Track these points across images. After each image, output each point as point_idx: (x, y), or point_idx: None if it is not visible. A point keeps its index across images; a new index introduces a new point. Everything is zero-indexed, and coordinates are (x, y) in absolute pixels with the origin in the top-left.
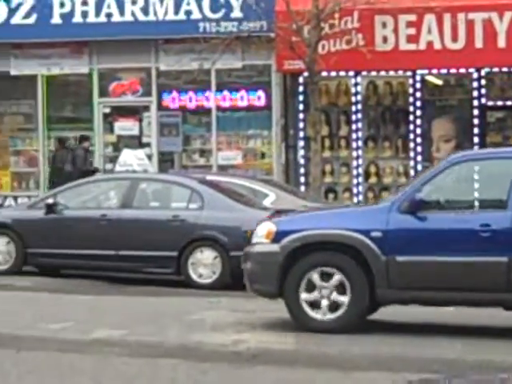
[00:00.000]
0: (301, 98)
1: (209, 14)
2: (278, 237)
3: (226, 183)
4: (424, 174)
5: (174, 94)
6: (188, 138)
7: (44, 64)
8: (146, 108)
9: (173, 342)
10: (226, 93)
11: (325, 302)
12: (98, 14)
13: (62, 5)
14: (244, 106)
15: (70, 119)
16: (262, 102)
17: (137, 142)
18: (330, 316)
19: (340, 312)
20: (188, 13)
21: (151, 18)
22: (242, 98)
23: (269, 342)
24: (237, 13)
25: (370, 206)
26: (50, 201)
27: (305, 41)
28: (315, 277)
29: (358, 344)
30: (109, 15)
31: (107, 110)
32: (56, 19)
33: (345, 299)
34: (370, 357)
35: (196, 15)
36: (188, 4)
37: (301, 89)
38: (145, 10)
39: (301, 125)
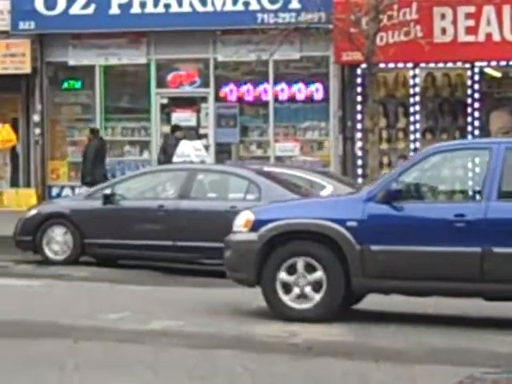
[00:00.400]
0: (359, 89)
1: (267, 5)
2: (255, 226)
3: (284, 174)
4: (401, 165)
5: (232, 85)
6: (245, 129)
7: (102, 54)
8: (204, 99)
9: (230, 333)
10: (283, 84)
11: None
12: (156, 4)
13: None
14: (302, 98)
15: (127, 110)
16: (319, 94)
17: (194, 132)
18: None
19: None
20: (246, 4)
21: (209, 8)
22: (300, 90)
23: (324, 334)
24: (295, 4)
25: (348, 195)
26: (108, 191)
27: (363, 32)
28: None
29: (411, 335)
30: (167, 6)
31: (164, 101)
32: (114, 10)
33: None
34: (426, 349)
35: (254, 6)
36: None
37: (359, 80)
38: (203, 1)
39: (358, 116)
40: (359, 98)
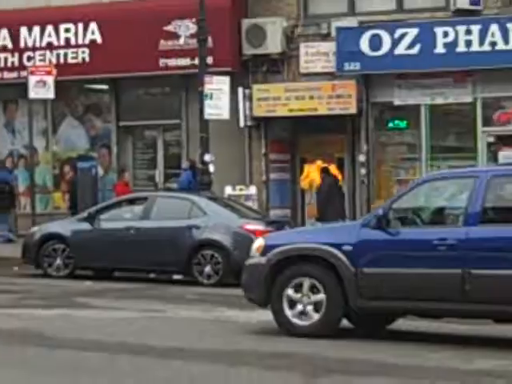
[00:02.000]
0: None
1: None
2: (265, 250)
3: None
4: (396, 194)
5: None
6: None
7: (427, 94)
8: None
9: None
10: None
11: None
12: (481, 42)
13: (445, 34)
14: None
15: (452, 149)
16: None
17: None
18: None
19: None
20: None
21: None
22: None
23: None
24: None
25: (348, 222)
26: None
27: None
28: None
29: None
30: (493, 44)
31: (491, 139)
32: (439, 49)
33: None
34: None
35: None
36: None
37: None
38: None
39: None
40: None
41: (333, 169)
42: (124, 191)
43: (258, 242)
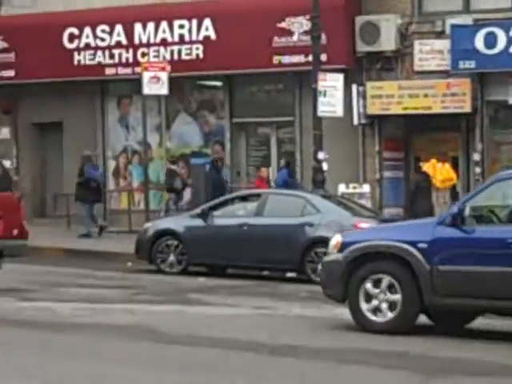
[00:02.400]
0: None
1: None
2: (342, 247)
3: None
4: (470, 192)
5: None
6: None
7: None
8: None
9: None
10: None
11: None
12: None
13: None
14: None
15: None
16: None
17: None
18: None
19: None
20: None
21: None
22: None
23: None
24: None
25: (422, 220)
26: None
27: None
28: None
29: None
30: None
31: None
32: None
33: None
34: None
35: None
36: None
37: None
38: None
39: None
40: None
41: (446, 168)
42: (261, 186)
43: (335, 239)
